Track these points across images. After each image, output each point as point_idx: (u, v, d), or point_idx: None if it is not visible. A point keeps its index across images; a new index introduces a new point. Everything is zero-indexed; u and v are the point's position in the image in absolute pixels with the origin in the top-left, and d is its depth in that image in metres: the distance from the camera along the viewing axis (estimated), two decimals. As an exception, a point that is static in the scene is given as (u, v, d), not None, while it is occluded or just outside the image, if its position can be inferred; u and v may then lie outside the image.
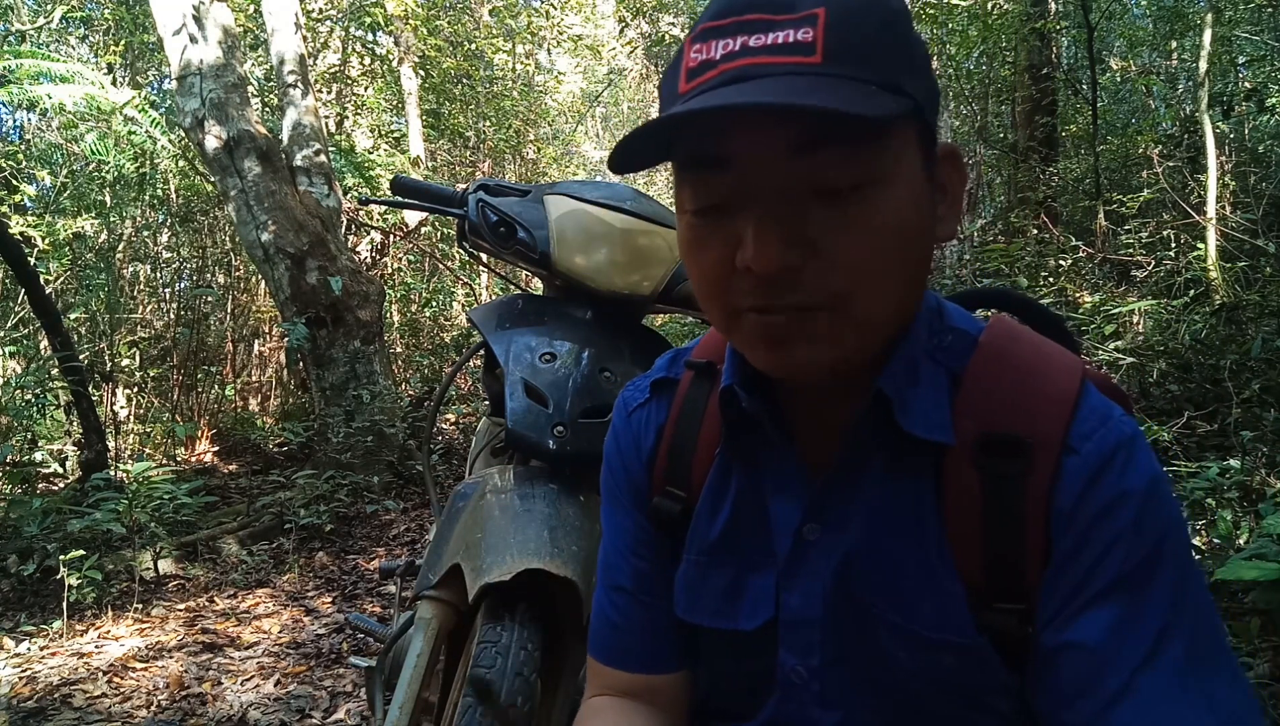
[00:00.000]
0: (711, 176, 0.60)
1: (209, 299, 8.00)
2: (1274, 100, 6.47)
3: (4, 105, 7.56)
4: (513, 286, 2.33)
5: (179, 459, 6.25)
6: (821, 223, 0.58)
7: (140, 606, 3.52)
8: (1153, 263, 5.19)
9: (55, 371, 5.32)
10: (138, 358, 6.94)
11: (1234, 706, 0.56)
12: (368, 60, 10.24)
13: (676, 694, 0.80)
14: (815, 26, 0.55)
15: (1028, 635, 0.63)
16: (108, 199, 7.11)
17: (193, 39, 5.27)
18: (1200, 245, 4.93)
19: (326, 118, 8.50)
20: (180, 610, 3.53)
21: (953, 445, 0.64)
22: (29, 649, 3.10)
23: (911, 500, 0.66)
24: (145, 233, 7.99)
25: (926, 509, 0.65)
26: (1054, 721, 0.61)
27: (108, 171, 6.84)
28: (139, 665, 2.96)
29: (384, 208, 6.88)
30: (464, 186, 1.58)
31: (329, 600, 3.70)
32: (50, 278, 6.58)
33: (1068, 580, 0.61)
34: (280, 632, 3.33)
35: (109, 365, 6.40)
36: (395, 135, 9.99)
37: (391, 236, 7.99)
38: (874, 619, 0.67)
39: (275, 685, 2.83)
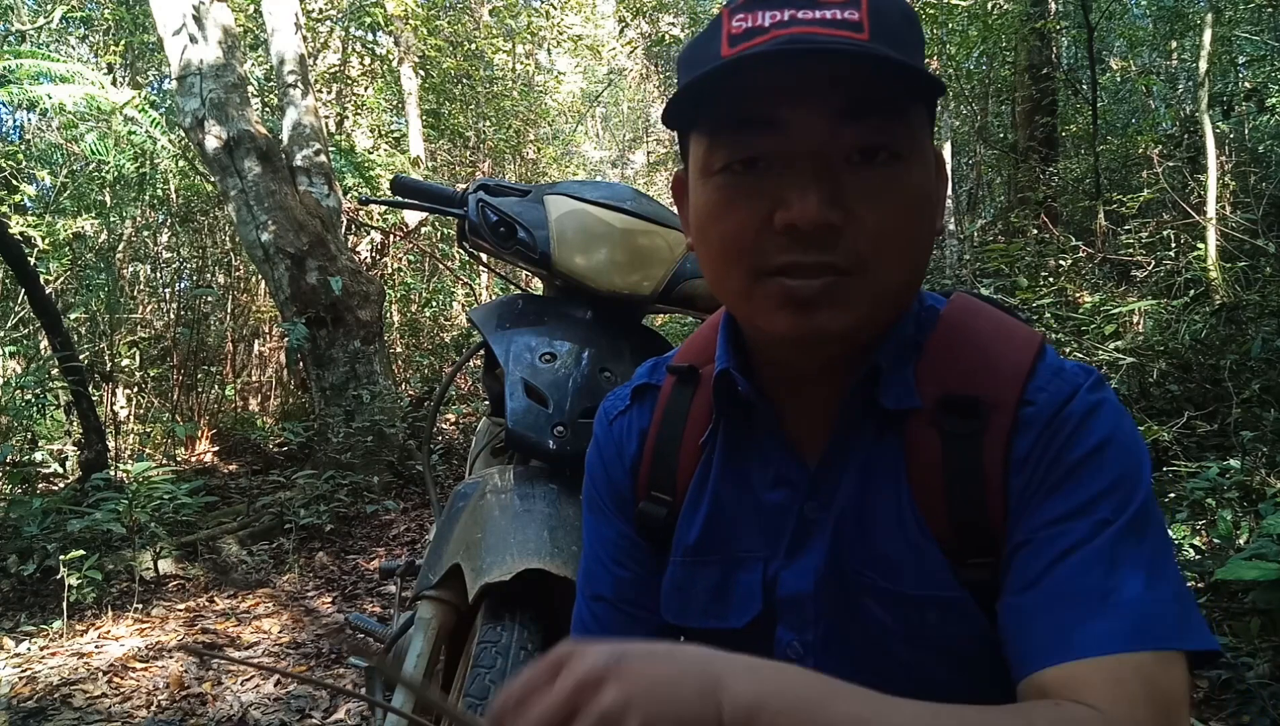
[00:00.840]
0: (754, 137, 0.61)
1: (209, 299, 8.00)
2: (1274, 100, 6.47)
3: (4, 105, 7.57)
4: (513, 286, 2.33)
5: (179, 459, 6.25)
6: (856, 189, 0.60)
7: (140, 606, 3.52)
8: (1153, 263, 5.19)
9: (55, 371, 5.32)
10: (138, 357, 6.94)
11: (1137, 593, 0.56)
12: (368, 60, 10.24)
13: None
14: (859, 9, 0.59)
15: (997, 585, 0.64)
16: (108, 199, 7.11)
17: (193, 39, 5.27)
18: (1200, 245, 4.93)
19: (326, 118, 8.50)
20: (180, 610, 3.53)
21: (919, 408, 0.67)
22: (29, 649, 3.10)
23: (888, 466, 0.68)
24: (145, 233, 8.00)
25: (899, 472, 0.68)
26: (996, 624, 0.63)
27: (108, 171, 6.84)
28: (139, 665, 2.96)
29: (384, 208, 6.88)
30: (464, 186, 1.58)
31: (329, 600, 3.70)
32: (50, 278, 6.59)
33: (1023, 503, 0.63)
34: (280, 632, 3.33)
35: (109, 365, 6.41)
36: (395, 135, 9.99)
37: (391, 236, 7.99)
38: (863, 586, 0.68)
39: (275, 685, 2.83)
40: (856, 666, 0.69)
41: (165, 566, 3.98)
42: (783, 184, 0.60)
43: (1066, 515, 0.60)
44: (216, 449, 6.58)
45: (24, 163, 7.09)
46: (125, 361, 6.75)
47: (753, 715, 0.46)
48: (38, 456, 5.09)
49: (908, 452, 0.67)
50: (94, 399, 5.23)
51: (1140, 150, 6.36)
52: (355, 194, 7.25)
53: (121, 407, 6.48)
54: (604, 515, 0.82)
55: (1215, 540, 2.51)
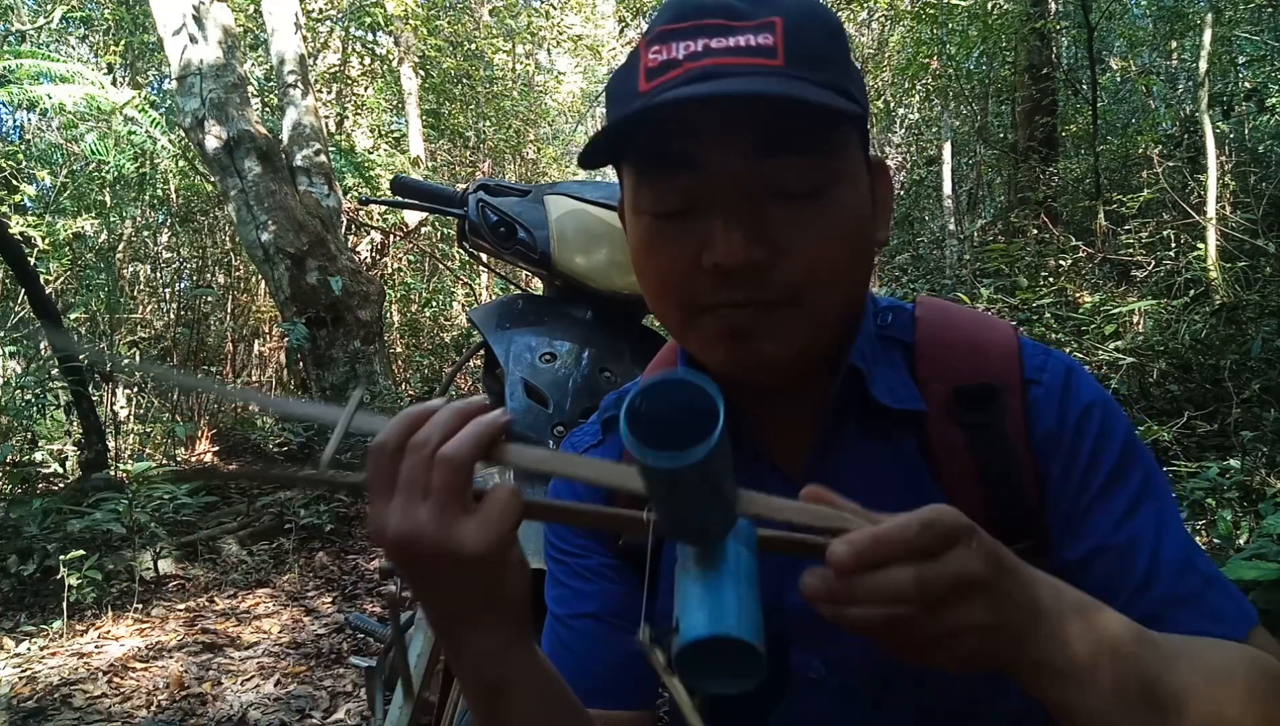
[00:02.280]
0: (674, 177, 0.61)
1: (209, 299, 8.00)
2: (1274, 100, 6.47)
3: (4, 105, 7.57)
4: (513, 286, 2.33)
5: (179, 459, 6.25)
6: (782, 222, 0.60)
7: (140, 606, 3.52)
8: (1153, 263, 5.20)
9: (55, 371, 5.32)
10: (138, 357, 6.94)
11: (1211, 571, 0.63)
12: (368, 60, 10.24)
13: None
14: (774, 33, 0.58)
15: (1043, 565, 0.63)
16: (108, 199, 7.11)
17: (193, 39, 5.27)
18: (1200, 245, 4.93)
19: (326, 118, 8.50)
20: (180, 610, 3.53)
21: (925, 411, 0.67)
22: (29, 649, 3.10)
23: (897, 470, 0.68)
24: (145, 233, 8.00)
25: (917, 475, 0.67)
26: None
27: (108, 171, 6.84)
28: (139, 665, 2.96)
29: (384, 208, 6.88)
30: (464, 186, 1.58)
31: (329, 600, 3.70)
32: (50, 278, 6.59)
33: (1069, 494, 0.65)
34: (280, 632, 3.33)
35: (109, 365, 6.40)
36: (395, 135, 9.99)
37: (391, 236, 7.99)
38: None
39: (275, 685, 2.83)
40: (896, 677, 0.67)
41: (165, 566, 3.98)
42: (707, 223, 0.60)
43: (1127, 513, 0.64)
44: (216, 449, 6.58)
45: (24, 163, 7.09)
46: (125, 361, 6.75)
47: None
48: (38, 456, 5.09)
49: (931, 453, 0.67)
50: (94, 399, 5.23)
51: (1140, 150, 6.36)
52: (355, 194, 7.25)
53: (121, 407, 6.47)
54: (581, 541, 0.79)
55: (1215, 540, 2.51)
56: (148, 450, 6.18)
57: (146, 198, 7.31)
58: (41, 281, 5.20)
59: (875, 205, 0.67)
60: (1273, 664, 0.57)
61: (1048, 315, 4.45)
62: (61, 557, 3.34)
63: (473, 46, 10.55)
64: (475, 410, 0.51)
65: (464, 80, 10.56)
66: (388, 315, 7.63)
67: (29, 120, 8.09)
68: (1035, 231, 6.18)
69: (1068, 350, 4.21)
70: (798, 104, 0.56)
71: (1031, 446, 0.66)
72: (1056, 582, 0.52)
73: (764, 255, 0.59)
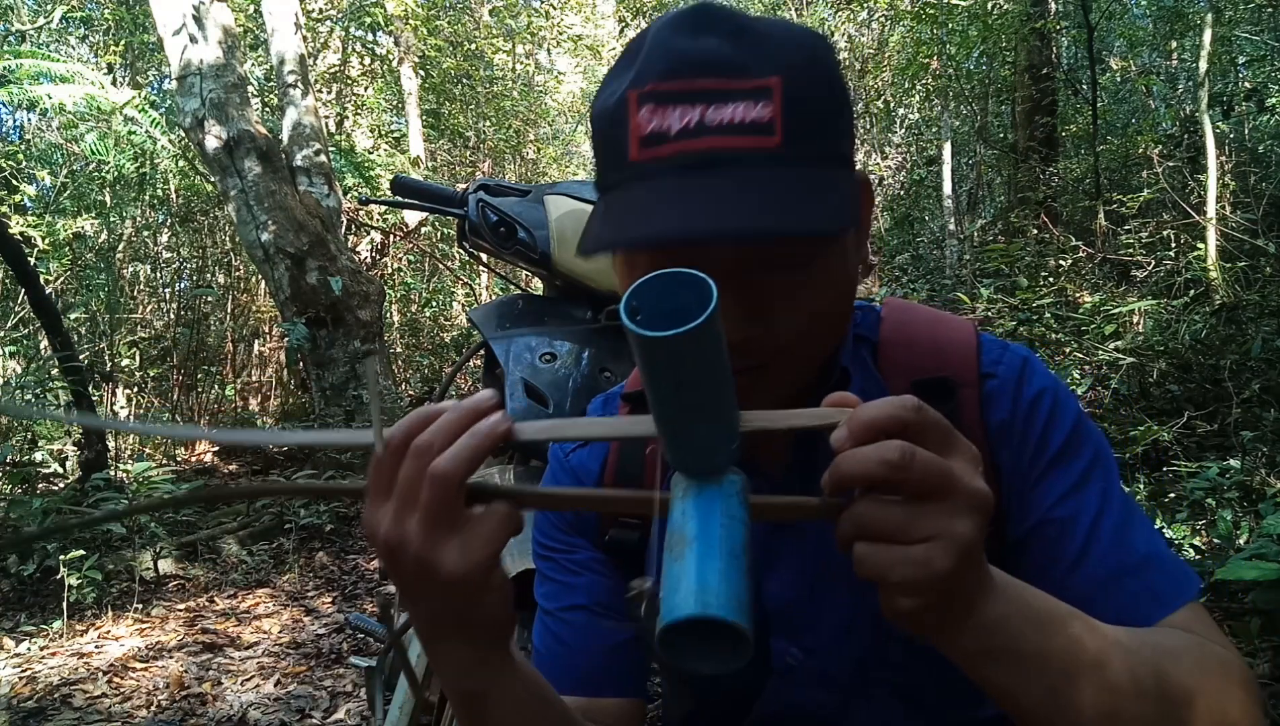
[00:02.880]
0: (669, 253, 0.60)
1: (209, 299, 8.00)
2: (1274, 100, 6.47)
3: (4, 105, 7.57)
4: (513, 286, 2.33)
5: (179, 459, 6.25)
6: (774, 293, 0.61)
7: (140, 606, 3.52)
8: (1153, 263, 5.20)
9: (55, 371, 5.32)
10: (138, 357, 6.94)
11: (1153, 548, 0.65)
12: (368, 60, 10.24)
13: (628, 723, 0.77)
14: (772, 102, 0.56)
15: (999, 551, 0.66)
16: (108, 199, 7.11)
17: (193, 39, 5.27)
18: (1200, 245, 4.94)
19: (326, 118, 8.50)
20: (180, 610, 3.53)
21: None
22: (29, 649, 3.10)
23: None
24: (145, 233, 8.00)
25: None
26: None
27: (108, 171, 6.84)
28: (139, 665, 2.96)
29: (384, 208, 6.88)
30: (464, 186, 1.58)
31: (329, 600, 3.70)
32: (50, 278, 6.59)
33: (1019, 477, 0.68)
34: (280, 632, 3.33)
35: (109, 365, 6.41)
36: (395, 135, 9.99)
37: (391, 236, 7.99)
38: (857, 584, 0.68)
39: (275, 685, 2.83)
40: (872, 661, 0.70)
41: (165, 566, 3.98)
42: None
43: (1071, 490, 0.66)
44: (216, 449, 6.58)
45: (24, 163, 7.09)
46: (125, 361, 6.75)
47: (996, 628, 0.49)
48: (38, 456, 5.08)
49: None
50: (94, 399, 5.23)
51: (1140, 150, 6.36)
52: (355, 194, 7.25)
53: (121, 407, 6.47)
54: (567, 535, 0.80)
55: (1215, 540, 2.50)
56: (148, 450, 6.18)
57: (146, 198, 7.32)
58: (41, 281, 5.20)
59: (860, 230, 0.67)
60: (1208, 649, 0.58)
61: (1048, 315, 4.45)
62: (61, 557, 3.35)
63: (473, 46, 10.55)
64: (483, 410, 0.50)
65: (464, 80, 10.56)
66: (388, 315, 7.63)
67: (29, 120, 8.09)
68: (1035, 231, 6.18)
69: (1068, 350, 4.21)
70: (789, 235, 0.56)
71: (987, 438, 0.68)
72: (1010, 578, 0.53)
73: (759, 332, 0.61)
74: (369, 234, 7.86)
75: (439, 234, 9.38)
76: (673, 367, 0.44)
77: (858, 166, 0.69)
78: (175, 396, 7.09)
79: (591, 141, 0.67)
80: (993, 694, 0.51)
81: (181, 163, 7.12)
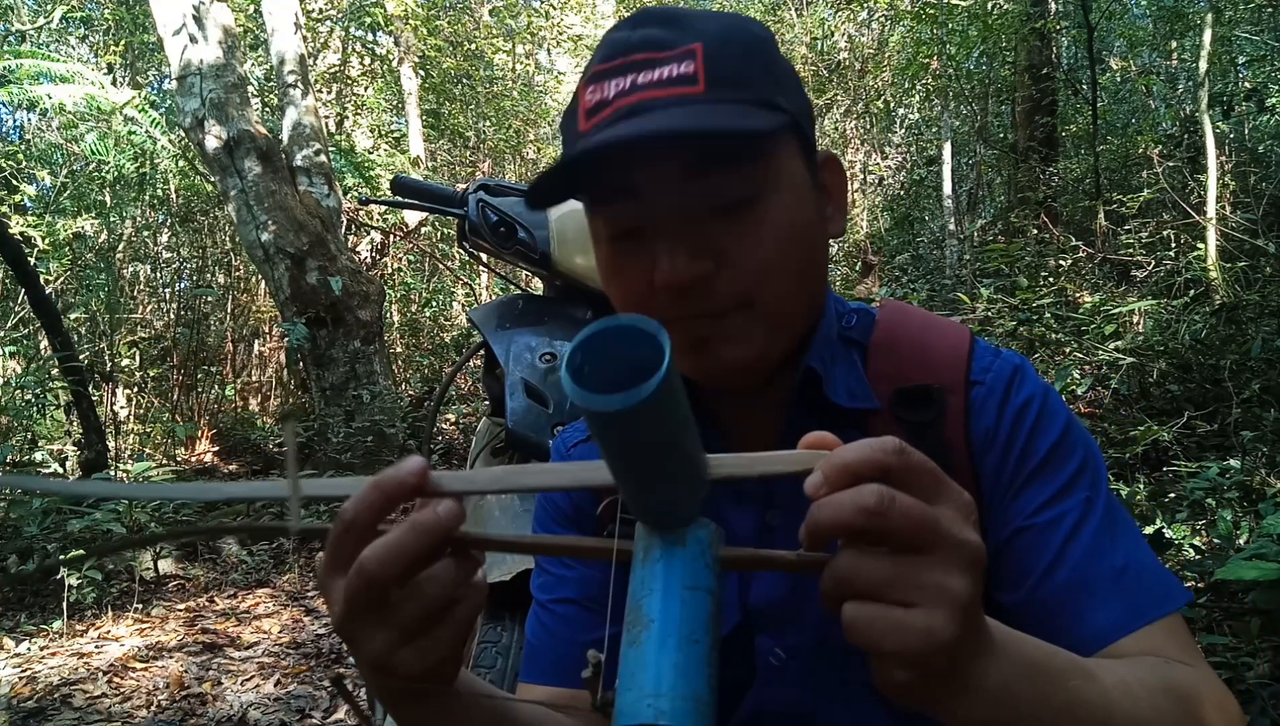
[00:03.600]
0: (620, 205, 0.65)
1: (209, 299, 8.01)
2: (1274, 100, 6.47)
3: (4, 105, 7.57)
4: (513, 286, 2.33)
5: (179, 459, 6.25)
6: (723, 233, 0.64)
7: (140, 606, 3.52)
8: (1153, 263, 5.20)
9: (55, 371, 5.32)
10: (138, 357, 6.94)
11: (1135, 558, 0.64)
12: (368, 60, 10.24)
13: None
14: (695, 60, 0.62)
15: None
16: (108, 199, 7.11)
17: (193, 39, 5.27)
18: (1200, 245, 4.94)
19: (326, 118, 8.50)
20: (180, 610, 3.53)
21: (878, 408, 0.70)
22: (29, 649, 3.10)
23: None
24: (145, 233, 8.00)
25: None
26: (997, 608, 0.64)
27: (108, 171, 6.84)
28: (139, 665, 2.96)
29: (384, 208, 6.88)
30: (464, 186, 1.58)
31: (329, 600, 3.70)
32: (50, 278, 6.59)
33: (1002, 484, 0.67)
34: (280, 632, 3.33)
35: (109, 365, 6.41)
36: (395, 135, 9.99)
37: (391, 236, 7.99)
38: None
39: (275, 685, 2.83)
40: (851, 663, 0.70)
41: (165, 566, 3.98)
42: (653, 246, 0.64)
43: (1054, 497, 0.65)
44: (216, 449, 6.58)
45: (24, 163, 7.09)
46: (125, 361, 6.75)
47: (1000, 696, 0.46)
48: (38, 456, 5.09)
49: None
50: (94, 399, 5.23)
51: (1140, 150, 6.36)
52: (355, 194, 7.25)
53: (121, 407, 6.47)
54: (566, 532, 0.82)
55: (1215, 540, 2.50)
56: (148, 450, 6.18)
57: (146, 198, 7.32)
58: (41, 281, 5.20)
59: (830, 197, 0.71)
60: (1174, 680, 0.56)
61: (1048, 315, 4.45)
62: (61, 557, 3.35)
63: (473, 46, 10.55)
64: (410, 485, 0.47)
65: (464, 80, 10.56)
66: (388, 315, 7.63)
67: (29, 120, 8.10)
68: (1035, 231, 6.18)
69: (1068, 350, 4.21)
70: (710, 134, 0.60)
71: (970, 445, 0.68)
72: (1006, 629, 0.50)
73: (708, 268, 0.63)
74: (369, 234, 7.86)
75: (439, 234, 9.38)
76: (625, 435, 0.40)
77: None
78: (175, 396, 7.08)
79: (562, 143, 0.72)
80: None
81: (181, 163, 7.12)
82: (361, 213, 7.38)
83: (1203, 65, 5.51)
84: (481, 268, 7.90)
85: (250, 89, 6.32)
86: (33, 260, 5.49)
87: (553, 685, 0.76)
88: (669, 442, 0.41)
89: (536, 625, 0.81)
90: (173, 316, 7.76)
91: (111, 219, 7.08)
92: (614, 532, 0.48)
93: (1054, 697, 0.48)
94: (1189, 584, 2.22)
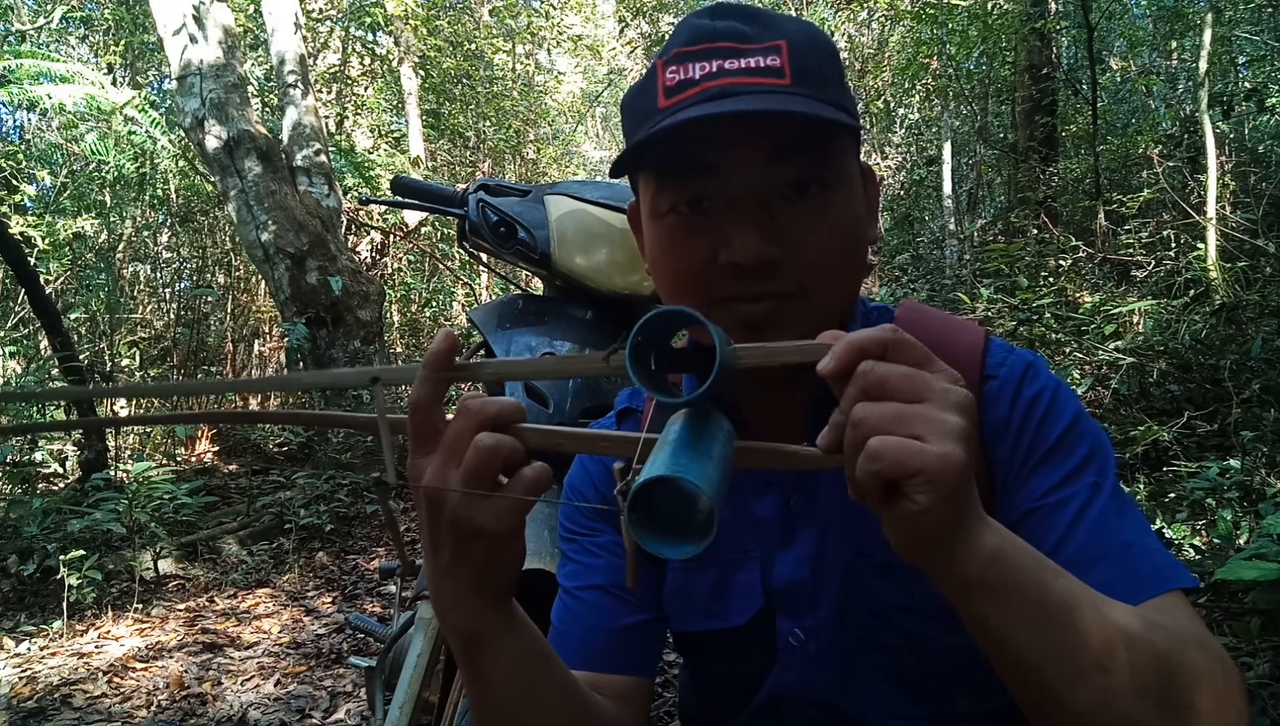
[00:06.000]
0: (695, 182, 0.68)
1: (209, 299, 8.01)
2: (1274, 100, 6.47)
3: (4, 105, 7.57)
4: (513, 286, 2.33)
5: (179, 459, 6.25)
6: (790, 221, 0.67)
7: (140, 606, 3.52)
8: (1153, 263, 5.19)
9: (55, 371, 5.32)
10: (138, 357, 6.94)
11: (1139, 538, 0.66)
12: (368, 60, 10.24)
13: (638, 702, 0.80)
14: (781, 55, 0.66)
15: None
16: (108, 199, 7.11)
17: (193, 39, 5.27)
18: (1200, 245, 4.93)
19: (326, 118, 8.50)
20: (180, 610, 3.53)
21: None
22: (29, 649, 3.10)
23: None
24: (145, 233, 8.00)
25: None
26: None
27: (108, 171, 6.84)
28: (139, 665, 2.96)
29: (384, 208, 6.88)
30: (464, 186, 1.58)
31: (329, 600, 3.70)
32: (50, 278, 6.59)
33: (1013, 470, 0.69)
34: (280, 632, 3.33)
35: (109, 365, 6.41)
36: (395, 135, 9.99)
37: (391, 236, 7.99)
38: (861, 564, 0.72)
39: (275, 685, 2.83)
40: (865, 644, 0.73)
41: (165, 566, 3.98)
42: (724, 224, 0.67)
43: (1063, 481, 0.67)
44: (216, 449, 6.58)
45: (24, 163, 7.09)
46: (125, 361, 6.75)
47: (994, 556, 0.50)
48: (38, 456, 5.08)
49: None
50: (93, 399, 5.22)
51: (1140, 150, 6.36)
52: (355, 194, 7.25)
53: (121, 407, 6.47)
54: (592, 523, 0.84)
55: (1215, 540, 2.50)
56: (148, 450, 6.18)
57: (146, 198, 7.32)
58: (41, 281, 5.20)
59: (867, 207, 0.74)
60: (1172, 624, 0.57)
61: (1048, 315, 4.45)
62: (61, 557, 3.35)
63: (473, 46, 10.55)
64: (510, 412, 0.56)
65: (464, 80, 10.56)
66: (388, 315, 7.63)
67: (29, 120, 8.09)
68: (1035, 231, 6.18)
69: (1068, 350, 4.21)
70: (807, 119, 0.64)
71: (983, 436, 0.70)
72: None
73: (778, 253, 0.66)
74: (369, 234, 7.86)
75: (439, 234, 9.38)
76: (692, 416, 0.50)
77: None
78: (175, 396, 7.08)
79: (622, 128, 0.74)
80: (989, 642, 0.52)
81: (181, 163, 7.12)
82: (361, 213, 7.38)
83: (1203, 65, 5.50)
84: (481, 268, 7.89)
85: (250, 89, 6.33)
86: (33, 260, 5.49)
87: (579, 669, 0.78)
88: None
89: (563, 611, 0.84)
90: (173, 316, 7.77)
91: (111, 219, 7.08)
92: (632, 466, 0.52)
93: (1053, 579, 0.51)
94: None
